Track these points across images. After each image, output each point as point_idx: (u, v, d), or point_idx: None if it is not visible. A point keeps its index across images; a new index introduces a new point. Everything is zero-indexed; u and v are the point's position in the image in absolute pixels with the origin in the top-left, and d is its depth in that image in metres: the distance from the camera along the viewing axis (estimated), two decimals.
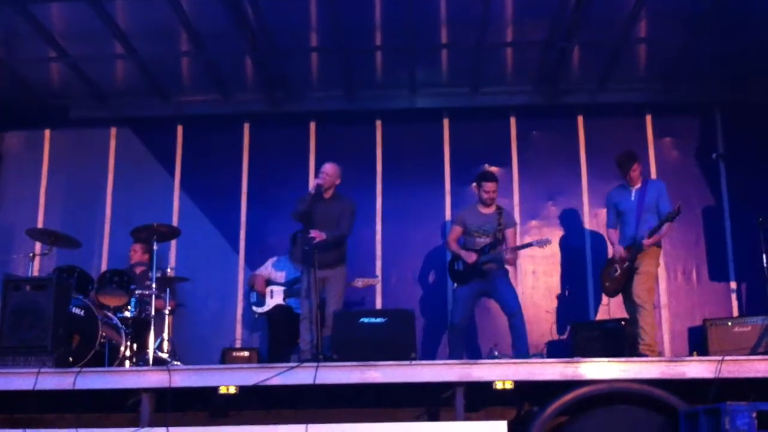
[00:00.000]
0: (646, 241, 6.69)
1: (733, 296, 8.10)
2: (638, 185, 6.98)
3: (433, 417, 5.66)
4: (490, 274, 7.15)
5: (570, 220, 8.40)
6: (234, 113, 8.69)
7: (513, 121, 8.70)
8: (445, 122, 8.72)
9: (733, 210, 8.29)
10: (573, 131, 8.66)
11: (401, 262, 8.44)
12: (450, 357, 7.01)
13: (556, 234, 8.41)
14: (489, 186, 7.25)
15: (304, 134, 8.75)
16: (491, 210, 7.30)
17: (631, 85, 8.39)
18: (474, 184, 7.50)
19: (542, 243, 7.28)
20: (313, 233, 6.82)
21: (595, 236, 8.26)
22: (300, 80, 8.40)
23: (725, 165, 8.20)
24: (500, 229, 7.21)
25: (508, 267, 7.32)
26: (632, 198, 6.96)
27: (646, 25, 7.35)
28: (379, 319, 6.00)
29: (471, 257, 7.13)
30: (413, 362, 5.59)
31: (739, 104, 8.31)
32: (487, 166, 8.48)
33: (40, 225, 8.41)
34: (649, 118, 8.61)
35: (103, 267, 8.19)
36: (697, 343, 7.42)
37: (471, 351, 7.46)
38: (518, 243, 7.38)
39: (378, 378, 5.46)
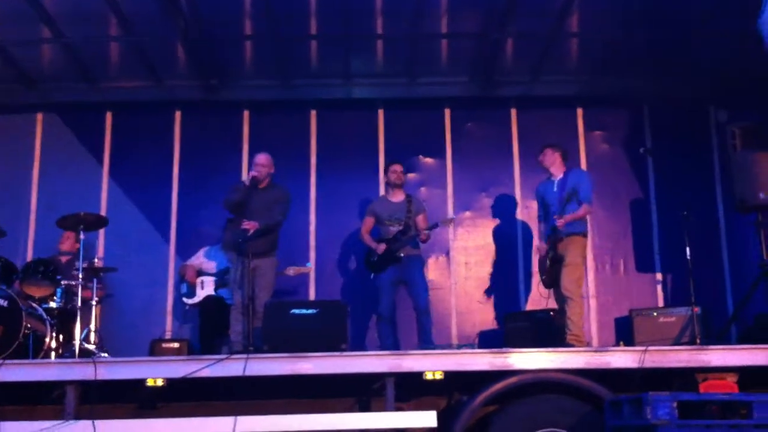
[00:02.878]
0: (558, 222, 6.82)
1: (659, 287, 8.31)
2: (560, 176, 7.09)
3: (365, 407, 5.68)
4: (404, 261, 7.32)
5: (502, 210, 8.49)
6: (165, 100, 8.54)
7: (447, 112, 8.75)
8: (380, 113, 8.72)
9: (660, 203, 8.49)
10: (506, 123, 8.75)
11: (335, 252, 8.44)
12: (380, 348, 7.05)
13: (488, 224, 8.51)
14: (396, 167, 7.54)
15: (238, 123, 8.66)
16: (401, 198, 7.53)
17: (562, 77, 8.50)
18: (383, 174, 7.60)
19: (447, 222, 7.62)
20: (246, 224, 6.77)
21: (527, 227, 8.40)
22: (234, 68, 8.30)
23: (653, 158, 8.37)
24: (410, 216, 7.43)
25: (423, 255, 7.64)
26: (554, 189, 7.08)
27: (577, 18, 7.44)
28: (310, 310, 5.98)
29: (380, 248, 7.32)
30: (344, 353, 5.59)
31: (667, 99, 8.49)
32: (421, 157, 8.56)
33: None
34: (579, 111, 8.75)
35: (29, 256, 7.98)
36: (624, 333, 7.57)
37: (402, 341, 7.47)
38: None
39: (309, 369, 5.45)
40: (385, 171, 7.70)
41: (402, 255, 7.32)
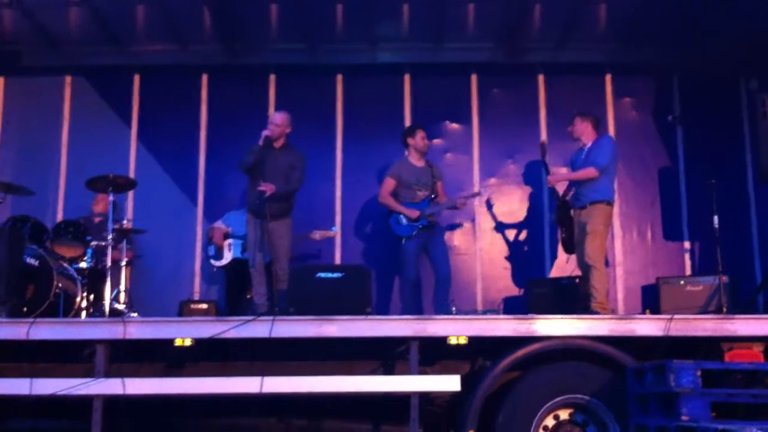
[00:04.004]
0: (549, 179, 7.16)
1: (687, 256, 8.27)
2: (589, 144, 7.04)
3: (389, 371, 5.70)
4: (431, 228, 7.32)
5: (528, 178, 8.45)
6: (192, 64, 8.55)
7: (474, 78, 8.69)
8: (406, 78, 8.68)
9: (689, 171, 8.42)
10: (533, 90, 8.68)
11: (360, 216, 8.45)
12: (404, 312, 7.09)
13: (514, 192, 8.49)
14: (423, 133, 7.51)
15: (264, 87, 8.65)
16: (423, 163, 7.49)
17: (590, 44, 8.39)
18: (408, 138, 7.55)
19: (476, 195, 7.80)
20: (264, 186, 6.78)
21: (555, 192, 8.34)
22: (259, 32, 8.26)
23: (681, 126, 8.29)
24: (434, 181, 7.43)
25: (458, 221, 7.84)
26: (582, 157, 7.04)
27: None
28: (335, 274, 6.01)
29: (414, 213, 7.25)
30: (369, 317, 5.63)
31: (696, 66, 8.36)
32: (447, 123, 8.54)
33: None
34: (608, 78, 8.66)
35: (59, 217, 8.08)
36: (650, 301, 7.57)
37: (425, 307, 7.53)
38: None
39: (334, 332, 5.49)
40: (412, 135, 7.56)
41: (430, 222, 7.33)
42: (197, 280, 8.27)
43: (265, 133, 7.00)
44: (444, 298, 7.30)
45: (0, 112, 8.64)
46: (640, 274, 8.17)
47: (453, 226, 8.34)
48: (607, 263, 7.03)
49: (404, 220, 7.35)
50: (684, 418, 4.73)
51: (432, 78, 8.67)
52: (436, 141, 8.27)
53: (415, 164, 7.51)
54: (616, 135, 8.33)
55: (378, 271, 7.93)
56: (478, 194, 7.87)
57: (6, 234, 5.90)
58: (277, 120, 7.07)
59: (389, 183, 7.48)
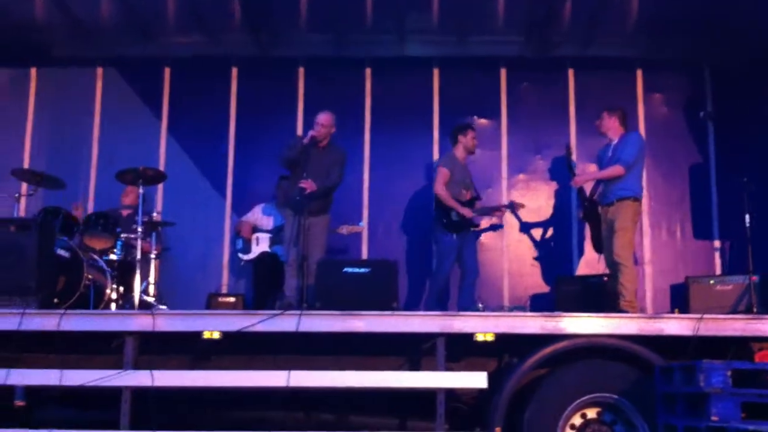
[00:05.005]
0: (573, 181, 7.16)
1: (716, 254, 8.20)
2: (615, 140, 6.99)
3: (415, 366, 5.70)
4: (469, 230, 7.37)
5: (557, 174, 8.40)
6: (221, 56, 8.58)
7: (503, 72, 8.65)
8: (435, 71, 8.66)
9: (720, 168, 8.33)
10: (563, 84, 8.63)
11: (388, 211, 8.46)
12: (429, 307, 7.09)
13: (543, 188, 8.46)
14: (474, 133, 7.54)
15: (293, 79, 8.68)
16: (464, 163, 7.55)
17: (621, 38, 8.28)
18: (459, 135, 7.50)
19: (518, 206, 7.94)
20: (304, 183, 6.81)
21: (581, 191, 8.28)
22: (288, 23, 8.24)
23: (713, 122, 8.19)
24: (473, 184, 7.53)
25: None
26: (609, 154, 7.00)
27: None
28: (362, 269, 6.01)
29: (468, 212, 7.33)
30: (395, 312, 5.64)
31: (729, 61, 8.25)
32: (476, 117, 8.50)
33: (26, 165, 8.34)
34: (639, 73, 8.58)
35: (89, 209, 8.14)
36: (679, 300, 7.50)
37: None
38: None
39: (360, 327, 5.50)
40: (464, 134, 7.57)
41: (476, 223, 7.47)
42: (225, 272, 8.32)
43: (311, 133, 7.00)
44: (471, 294, 7.31)
45: (32, 102, 8.73)
46: (670, 272, 8.09)
47: (480, 224, 8.32)
48: (636, 261, 6.98)
49: (455, 216, 7.34)
50: (714, 418, 4.69)
51: (461, 72, 8.64)
52: None
53: (462, 163, 7.51)
54: (646, 131, 8.27)
55: (404, 266, 7.96)
56: (511, 205, 7.97)
57: (37, 226, 5.94)
58: (324, 120, 7.07)
59: (445, 174, 7.43)
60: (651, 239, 8.25)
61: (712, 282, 7.11)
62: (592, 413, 5.47)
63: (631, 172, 6.79)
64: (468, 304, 7.25)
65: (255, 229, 7.87)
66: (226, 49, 8.53)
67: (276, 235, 7.72)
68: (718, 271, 8.03)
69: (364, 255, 8.24)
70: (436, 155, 8.35)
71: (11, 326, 5.47)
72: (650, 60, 8.50)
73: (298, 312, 5.58)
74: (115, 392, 5.39)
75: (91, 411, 5.68)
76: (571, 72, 8.62)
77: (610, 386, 5.41)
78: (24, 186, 7.59)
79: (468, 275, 7.42)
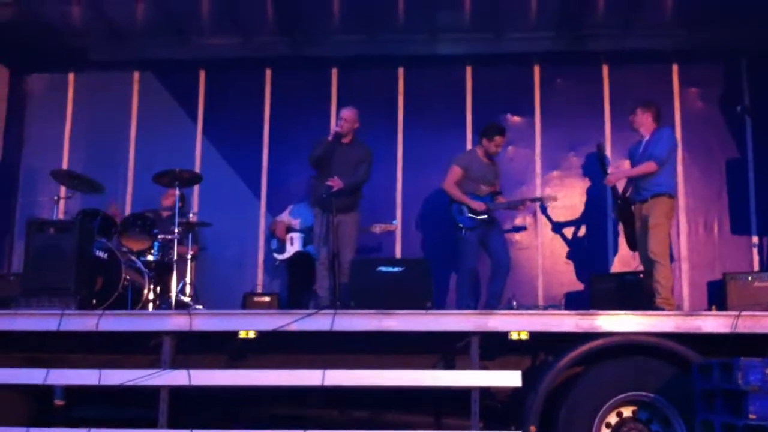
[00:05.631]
0: (606, 180, 7.12)
1: (755, 251, 8.06)
2: (647, 137, 6.93)
3: (449, 365, 5.71)
4: (491, 223, 7.36)
5: (592, 170, 8.32)
6: (256, 57, 8.64)
7: (536, 68, 8.61)
8: (468, 69, 8.64)
9: (758, 162, 8.21)
10: (597, 79, 8.56)
11: (421, 209, 8.47)
12: (460, 304, 7.08)
13: (577, 185, 8.40)
14: (501, 140, 7.47)
15: (326, 79, 8.72)
16: (489, 161, 7.51)
17: (656, 30, 8.19)
18: (484, 138, 7.51)
19: (551, 198, 7.88)
20: (331, 181, 6.85)
21: (616, 188, 8.21)
22: (321, 23, 8.28)
23: (750, 116, 8.07)
24: (497, 181, 7.51)
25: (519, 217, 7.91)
26: (640, 150, 6.93)
27: None
28: (396, 268, 6.03)
29: (480, 205, 7.28)
30: (429, 311, 5.64)
31: (766, 53, 8.13)
32: (509, 115, 8.47)
33: (64, 168, 8.47)
34: (675, 67, 8.48)
35: (127, 211, 8.26)
36: (717, 297, 7.41)
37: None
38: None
39: (394, 326, 5.51)
40: (489, 138, 7.47)
41: (492, 218, 7.38)
42: (260, 272, 8.39)
43: (335, 129, 7.08)
44: (500, 289, 7.31)
45: (70, 107, 8.86)
46: (706, 269, 8.00)
47: (514, 221, 8.32)
48: (672, 258, 6.89)
49: (467, 211, 7.36)
50: (751, 416, 4.64)
51: (493, 69, 8.61)
52: None
53: (483, 160, 7.53)
54: (682, 125, 8.19)
55: (438, 265, 7.92)
56: (540, 200, 7.93)
57: (76, 227, 6.04)
58: (347, 115, 7.12)
59: (456, 172, 7.45)
60: (687, 235, 8.16)
61: (750, 278, 7.02)
62: (627, 411, 5.44)
63: (664, 168, 6.74)
64: (498, 297, 7.24)
65: (289, 228, 7.93)
66: (260, 50, 8.60)
67: (309, 234, 7.76)
68: (756, 267, 7.91)
69: (398, 254, 8.26)
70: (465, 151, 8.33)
71: (51, 327, 5.57)
72: (686, 53, 8.38)
73: (333, 311, 5.61)
74: (154, 391, 5.46)
75: (130, 409, 5.78)
76: (605, 67, 8.54)
77: (646, 384, 5.37)
78: (62, 189, 7.75)
79: (497, 268, 7.40)
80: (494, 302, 7.21)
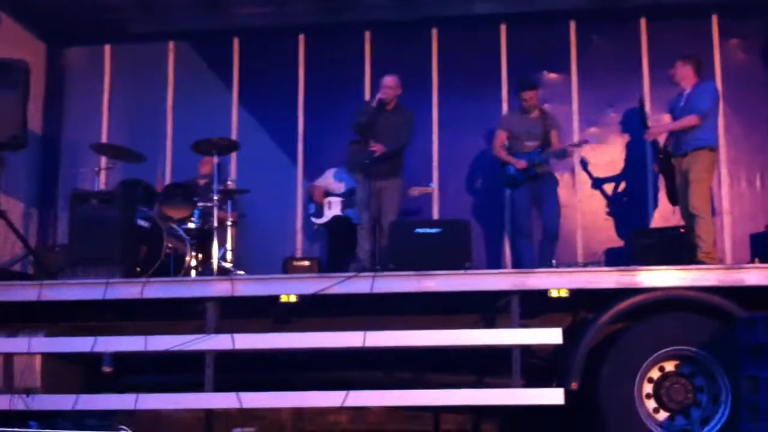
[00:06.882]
0: (647, 134, 7.07)
1: None
2: (689, 90, 6.81)
3: (489, 324, 5.72)
4: (541, 179, 7.32)
5: (630, 126, 8.21)
6: (288, 24, 8.63)
7: (572, 25, 8.47)
8: (503, 28, 8.53)
9: None
10: (635, 34, 8.39)
11: (458, 171, 8.43)
12: (514, 264, 7.05)
13: (616, 141, 8.31)
14: (527, 95, 7.47)
15: (359, 44, 8.67)
16: (535, 114, 7.46)
17: None
18: (520, 92, 7.53)
19: (581, 144, 7.67)
20: (374, 146, 6.89)
21: (656, 143, 8.08)
22: None
23: None
24: (547, 132, 7.38)
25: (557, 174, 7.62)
26: (682, 103, 6.83)
27: None
28: (434, 230, 6.04)
29: (521, 163, 7.30)
30: (468, 271, 5.65)
31: None
32: (545, 72, 8.38)
33: (104, 140, 8.59)
34: (714, 19, 8.28)
35: (167, 180, 8.35)
36: (760, 249, 7.29)
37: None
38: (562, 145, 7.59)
39: (433, 287, 5.54)
40: (518, 93, 7.59)
41: (539, 172, 7.32)
42: (299, 237, 8.45)
43: (378, 96, 7.17)
44: (548, 253, 7.28)
45: (108, 79, 8.94)
46: (749, 221, 7.83)
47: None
48: (713, 212, 6.81)
49: (512, 170, 7.36)
50: None
51: (529, 27, 8.49)
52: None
53: (526, 115, 7.47)
54: (723, 79, 8.02)
55: (477, 225, 7.94)
56: (586, 142, 7.81)
57: (119, 198, 6.15)
58: (390, 83, 7.22)
59: (500, 135, 7.56)
60: (729, 188, 8.02)
61: None
62: (670, 366, 5.43)
63: (706, 121, 6.63)
64: (543, 258, 7.22)
65: (327, 193, 7.96)
66: (293, 17, 8.57)
67: (348, 198, 7.79)
68: None
69: (435, 216, 8.25)
70: (504, 112, 8.22)
71: (97, 296, 5.68)
72: (726, 4, 8.19)
73: (372, 274, 5.65)
74: (199, 356, 5.56)
75: (176, 375, 5.89)
76: (643, 21, 8.37)
77: (689, 339, 5.35)
78: (103, 160, 7.85)
79: (545, 233, 7.38)
80: (542, 265, 7.15)
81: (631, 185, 8.21)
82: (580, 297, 5.49)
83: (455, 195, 8.36)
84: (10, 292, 5.84)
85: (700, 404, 5.39)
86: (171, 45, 8.92)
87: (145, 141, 8.29)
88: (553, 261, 7.20)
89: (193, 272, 6.91)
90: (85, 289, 5.73)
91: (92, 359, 5.67)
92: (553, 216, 7.38)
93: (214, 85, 8.78)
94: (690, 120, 6.64)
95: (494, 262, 8.02)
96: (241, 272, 6.97)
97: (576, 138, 8.07)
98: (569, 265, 7.05)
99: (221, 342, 5.55)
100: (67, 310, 5.87)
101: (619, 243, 8.01)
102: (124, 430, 5.58)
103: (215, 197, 6.98)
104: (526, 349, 5.51)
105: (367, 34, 8.68)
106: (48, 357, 5.73)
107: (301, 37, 8.77)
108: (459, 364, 5.76)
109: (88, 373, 5.92)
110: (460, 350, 5.56)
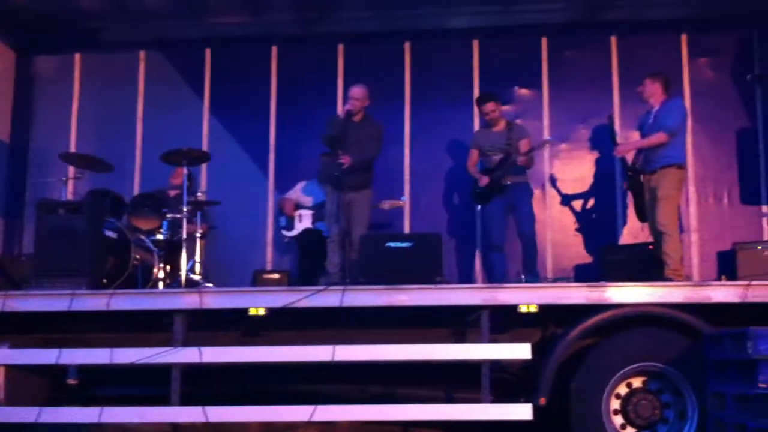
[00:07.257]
0: (616, 151, 7.05)
1: (764, 220, 8.03)
2: (657, 107, 6.88)
3: (460, 338, 5.72)
4: (509, 190, 7.31)
5: (600, 142, 8.26)
6: (262, 35, 8.62)
7: (544, 41, 8.54)
8: (475, 43, 8.59)
9: (767, 132, 8.13)
10: (606, 51, 8.49)
11: (429, 185, 8.45)
12: (487, 278, 7.07)
13: (586, 157, 8.37)
14: (486, 108, 7.50)
15: (333, 56, 8.68)
16: (501, 127, 7.48)
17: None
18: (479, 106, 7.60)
19: (543, 144, 7.61)
20: (342, 158, 6.87)
21: (625, 159, 8.16)
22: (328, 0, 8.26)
23: (761, 85, 8.00)
24: (511, 142, 7.37)
25: (530, 183, 7.61)
26: (650, 120, 6.90)
27: None
28: (405, 243, 6.01)
29: (483, 180, 7.33)
30: (438, 286, 5.64)
31: None
32: (517, 88, 8.43)
33: (72, 149, 8.50)
34: (684, 37, 8.40)
35: (136, 190, 8.29)
36: (727, 267, 7.39)
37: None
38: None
39: (404, 301, 5.52)
40: (479, 106, 7.64)
41: (507, 183, 7.31)
42: (270, 249, 8.41)
43: (346, 107, 7.13)
44: (530, 262, 7.30)
45: (77, 87, 8.86)
46: (716, 239, 7.95)
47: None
48: (681, 229, 6.87)
49: (478, 188, 7.43)
50: (761, 385, 4.64)
51: (501, 42, 8.56)
52: (505, 107, 8.11)
53: (492, 129, 7.54)
54: (692, 96, 8.13)
55: (449, 239, 7.96)
56: (548, 141, 7.73)
57: (86, 208, 6.07)
58: (357, 93, 7.18)
59: (472, 153, 7.62)
60: (697, 206, 8.12)
61: (760, 248, 7.01)
62: (637, 382, 5.44)
63: (674, 139, 6.70)
64: (527, 269, 7.25)
65: (297, 206, 7.94)
66: (267, 27, 8.57)
67: (318, 211, 7.77)
68: (766, 236, 7.87)
69: (407, 230, 8.25)
70: (476, 126, 8.24)
71: (62, 307, 5.60)
72: (696, 22, 8.31)
73: (342, 287, 5.62)
74: (165, 369, 5.49)
75: (142, 388, 5.82)
76: (614, 38, 8.47)
77: (656, 355, 5.37)
78: (71, 169, 7.76)
79: (520, 238, 7.40)
80: (528, 276, 7.18)
81: (601, 201, 8.27)
82: (549, 312, 5.51)
83: (427, 208, 8.37)
84: None
85: (667, 420, 5.42)
86: (142, 54, 8.87)
87: (115, 151, 8.22)
88: (522, 276, 7.21)
89: (161, 284, 6.84)
90: (51, 301, 5.65)
91: (57, 371, 5.59)
92: (529, 219, 7.38)
93: (185, 95, 8.73)
94: (658, 137, 6.70)
95: (465, 277, 8.03)
96: (210, 284, 6.91)
97: (546, 162, 8.17)
98: (539, 281, 7.08)
99: (188, 355, 5.48)
100: (33, 321, 5.77)
101: (588, 259, 8.06)
102: None
103: (185, 208, 6.91)
104: (496, 364, 5.51)
105: (341, 47, 8.69)
106: (12, 368, 5.63)
107: (274, 48, 8.75)
108: (429, 379, 5.75)
109: (53, 385, 5.84)
110: (429, 365, 5.54)
